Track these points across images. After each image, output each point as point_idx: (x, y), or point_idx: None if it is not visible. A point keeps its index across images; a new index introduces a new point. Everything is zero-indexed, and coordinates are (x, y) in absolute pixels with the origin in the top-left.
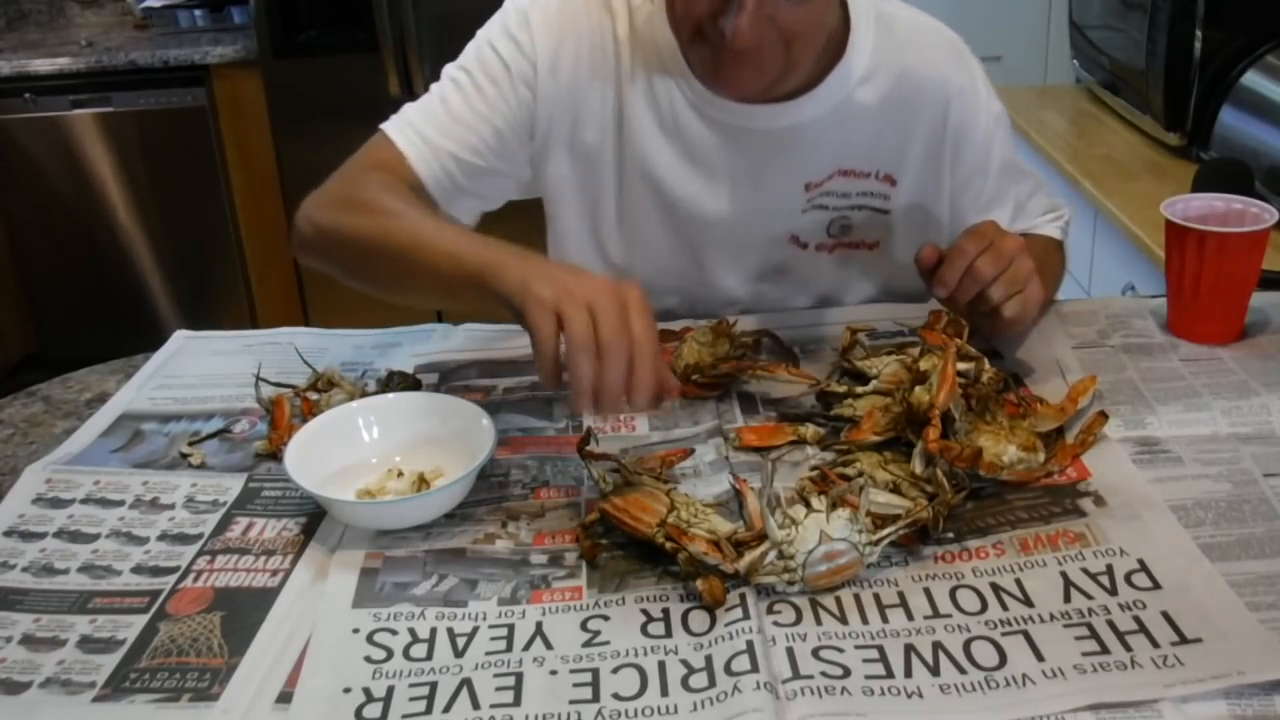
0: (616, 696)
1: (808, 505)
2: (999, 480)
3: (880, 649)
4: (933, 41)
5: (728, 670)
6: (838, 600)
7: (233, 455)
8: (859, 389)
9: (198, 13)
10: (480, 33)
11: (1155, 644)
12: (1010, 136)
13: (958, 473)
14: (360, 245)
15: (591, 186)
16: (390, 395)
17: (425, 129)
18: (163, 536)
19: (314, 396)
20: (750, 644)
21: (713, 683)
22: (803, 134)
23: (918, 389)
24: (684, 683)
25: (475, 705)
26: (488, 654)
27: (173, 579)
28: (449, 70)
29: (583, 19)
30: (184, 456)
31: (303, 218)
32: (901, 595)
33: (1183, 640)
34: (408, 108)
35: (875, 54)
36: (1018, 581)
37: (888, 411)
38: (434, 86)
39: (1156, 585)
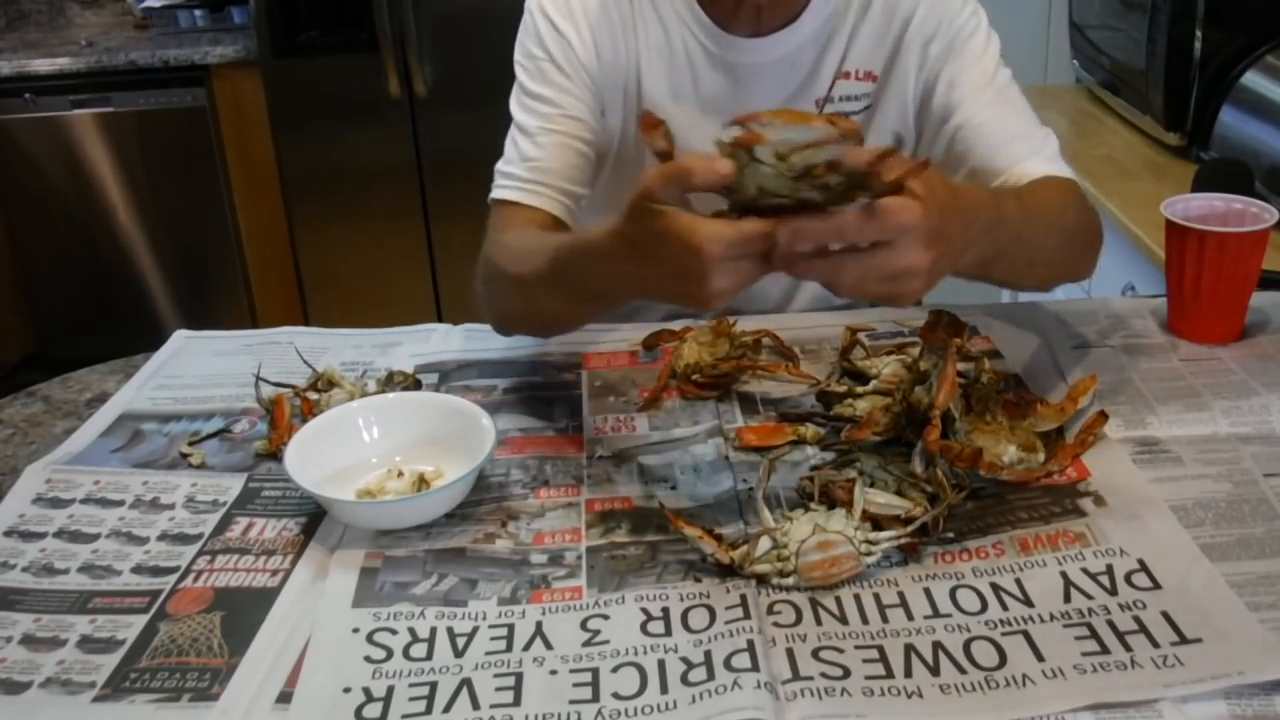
0: (616, 696)
1: (806, 507)
2: (999, 480)
3: (880, 649)
4: None
5: (727, 666)
6: (838, 600)
7: (233, 455)
8: (859, 389)
9: (198, 13)
10: (518, 51)
11: (1155, 644)
12: (998, 58)
13: (958, 473)
14: (537, 284)
15: (605, 154)
16: (390, 395)
17: (522, 172)
18: (163, 536)
19: (314, 396)
20: (751, 643)
21: (711, 676)
22: (804, 51)
23: (918, 389)
24: (683, 678)
25: (475, 705)
26: (488, 654)
27: (173, 579)
28: (514, 102)
29: None
30: (184, 456)
31: (484, 307)
32: (901, 595)
33: (1183, 640)
34: (499, 166)
35: None
36: (1018, 581)
37: (887, 411)
38: (511, 130)
39: (1156, 585)
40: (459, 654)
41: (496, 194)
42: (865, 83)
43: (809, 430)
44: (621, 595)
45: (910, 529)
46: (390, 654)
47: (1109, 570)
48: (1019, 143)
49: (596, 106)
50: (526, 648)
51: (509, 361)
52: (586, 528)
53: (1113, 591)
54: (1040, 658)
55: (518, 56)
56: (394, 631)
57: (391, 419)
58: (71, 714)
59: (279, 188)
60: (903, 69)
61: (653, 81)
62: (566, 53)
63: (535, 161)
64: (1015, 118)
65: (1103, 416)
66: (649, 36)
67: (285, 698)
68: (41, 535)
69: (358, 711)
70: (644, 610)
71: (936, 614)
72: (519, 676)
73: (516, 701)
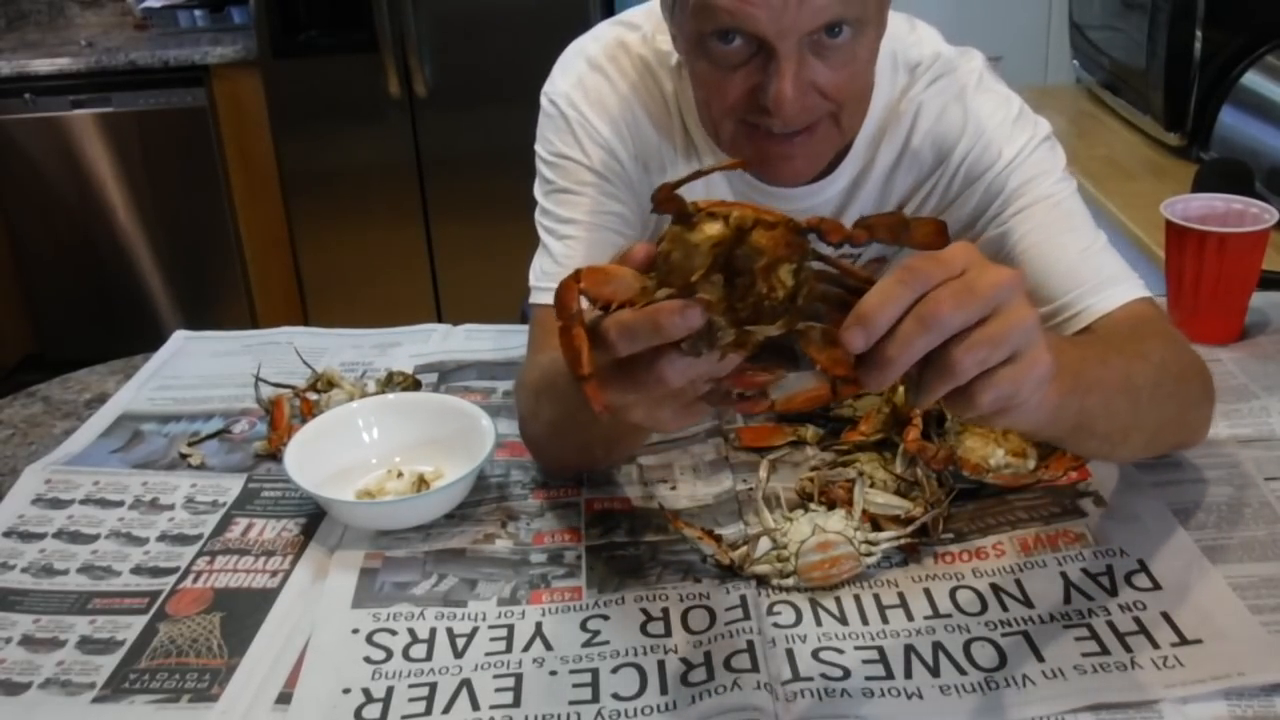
0: (616, 696)
1: (806, 507)
2: (984, 483)
3: (880, 650)
4: (943, 82)
5: (727, 666)
6: (837, 601)
7: (232, 456)
8: None
9: (198, 13)
10: (539, 148)
11: (1155, 645)
12: (1058, 168)
13: (945, 474)
14: (559, 430)
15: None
16: (390, 395)
17: (558, 275)
18: (162, 537)
19: (313, 397)
20: (751, 644)
21: (711, 676)
22: (832, 202)
23: (900, 389)
24: (683, 679)
25: (475, 706)
26: (487, 655)
27: (172, 579)
28: (540, 210)
29: (637, 89)
30: (183, 457)
31: (524, 439)
32: (901, 596)
33: (1183, 641)
34: (533, 271)
35: (891, 104)
36: (1018, 582)
37: (880, 412)
38: (542, 237)
39: (1156, 586)
40: (459, 655)
41: (533, 299)
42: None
43: (809, 430)
44: (621, 596)
45: (910, 529)
46: (390, 654)
47: (1109, 571)
48: (1079, 267)
49: (634, 206)
50: (526, 648)
51: (508, 363)
52: (586, 528)
53: (1113, 592)
54: (1040, 658)
55: (542, 153)
56: (394, 632)
57: (391, 419)
58: (71, 715)
59: (279, 188)
60: (957, 210)
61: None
62: (603, 157)
63: (573, 256)
64: (1072, 234)
65: None
66: (676, 166)
67: (285, 698)
68: (41, 536)
69: (357, 712)
70: (644, 611)
71: (936, 614)
72: (519, 677)
73: (516, 702)
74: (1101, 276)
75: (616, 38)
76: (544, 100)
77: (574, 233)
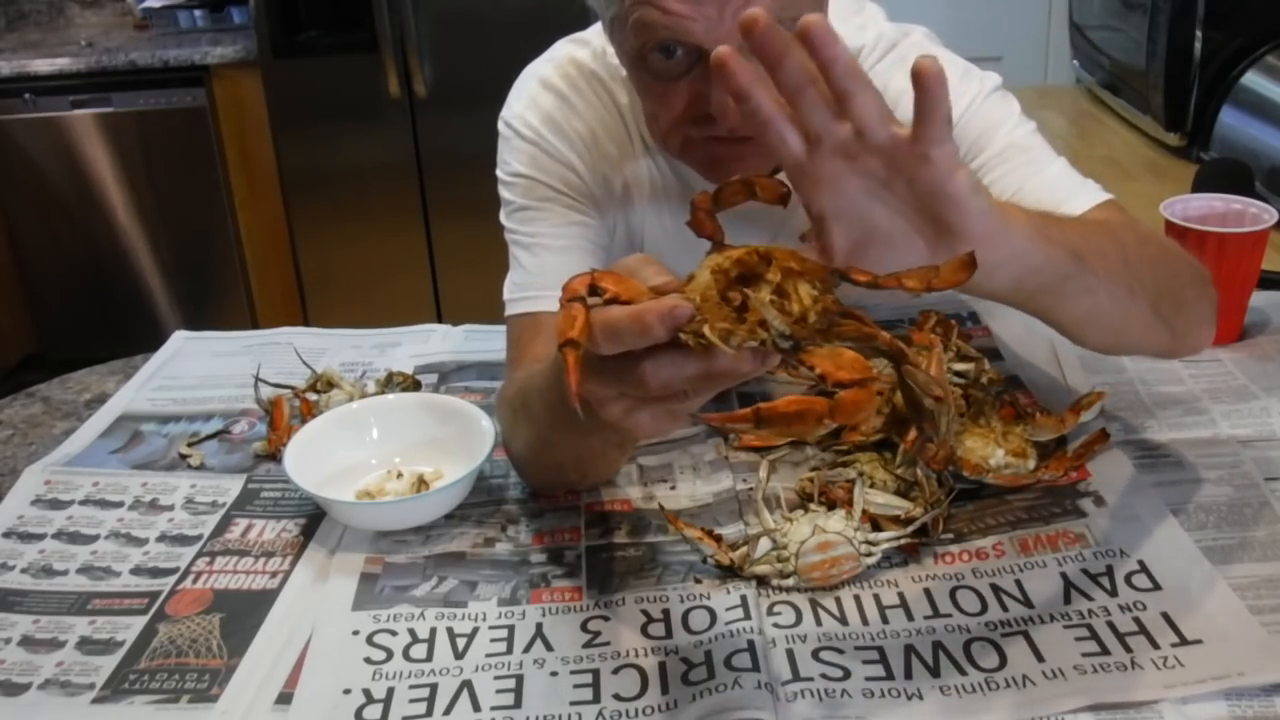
0: (617, 697)
1: (805, 508)
2: (984, 483)
3: (880, 650)
4: (888, 60)
5: (728, 665)
6: (838, 601)
7: (232, 456)
8: None
9: (198, 13)
10: (499, 171)
11: (1155, 645)
12: (1011, 114)
13: (945, 474)
14: (535, 449)
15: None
16: (390, 396)
17: (531, 284)
18: (162, 538)
19: (313, 397)
20: (751, 644)
21: (712, 674)
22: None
23: (900, 389)
24: (684, 678)
25: (476, 707)
26: (488, 655)
27: (172, 580)
28: (507, 231)
29: (591, 104)
30: (183, 457)
31: (511, 460)
32: (901, 596)
33: (1183, 641)
34: (506, 286)
35: None
36: (1018, 582)
37: (880, 412)
38: (512, 251)
39: (1156, 586)
40: (459, 655)
41: (508, 311)
42: None
43: None
44: (621, 597)
45: (910, 529)
46: (390, 655)
47: (1109, 571)
48: (1040, 197)
49: (599, 220)
50: (527, 649)
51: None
52: (586, 528)
53: (1113, 593)
54: (1040, 658)
55: (503, 175)
56: (394, 633)
57: (391, 420)
58: (71, 715)
59: (279, 188)
60: None
61: (641, 213)
62: (563, 173)
63: (545, 266)
64: (1030, 166)
65: (1104, 435)
66: (637, 171)
67: (285, 699)
68: (40, 536)
69: (358, 713)
70: (644, 612)
71: (936, 615)
72: (519, 678)
73: (517, 704)
74: (1060, 193)
75: (568, 55)
76: (501, 125)
77: (544, 242)
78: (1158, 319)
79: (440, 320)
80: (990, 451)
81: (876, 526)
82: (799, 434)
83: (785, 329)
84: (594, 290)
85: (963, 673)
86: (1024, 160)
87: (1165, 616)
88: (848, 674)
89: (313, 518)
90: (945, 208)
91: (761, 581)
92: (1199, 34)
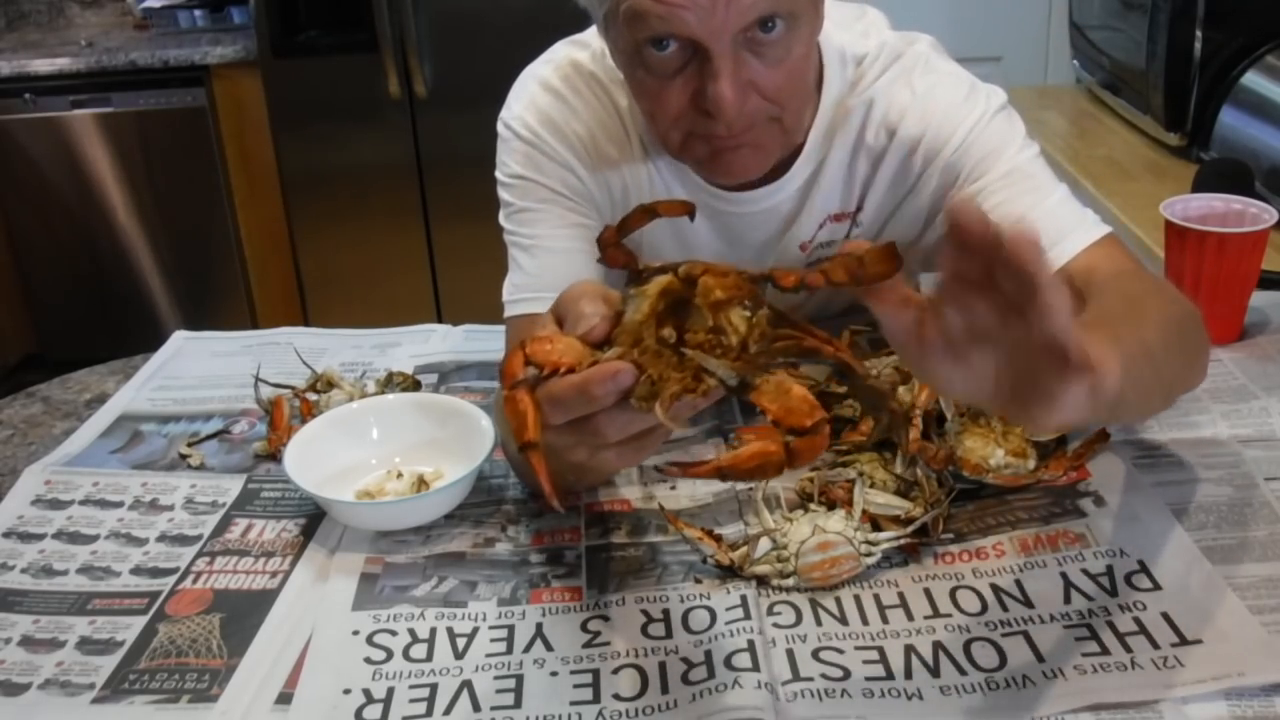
0: (617, 697)
1: (805, 508)
2: (984, 483)
3: (880, 650)
4: (891, 73)
5: (728, 665)
6: (838, 601)
7: (232, 456)
8: None
9: (198, 13)
10: (498, 173)
11: (1155, 645)
12: (1016, 137)
13: (945, 473)
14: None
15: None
16: (390, 396)
17: (530, 285)
18: (162, 538)
19: (313, 397)
20: (751, 644)
21: (712, 674)
22: (789, 201)
23: (900, 389)
24: (684, 678)
25: (476, 707)
26: (488, 655)
27: (172, 580)
28: (506, 232)
29: (591, 106)
30: (183, 457)
31: (509, 463)
32: (901, 596)
33: (1183, 641)
34: (505, 287)
35: (841, 99)
36: (1018, 582)
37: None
38: (511, 253)
39: (1157, 586)
40: (459, 655)
41: (507, 312)
42: (845, 222)
43: None
44: (621, 597)
45: (910, 529)
46: (390, 655)
47: (1109, 571)
48: (1050, 220)
49: (598, 221)
50: (527, 649)
51: None
52: (586, 528)
53: (1113, 593)
54: (1040, 658)
55: (502, 177)
56: (394, 633)
57: (391, 420)
58: (71, 715)
59: (279, 188)
60: (919, 194)
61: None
62: (562, 174)
63: (544, 267)
64: (1033, 195)
65: (1104, 435)
66: (636, 172)
67: (285, 699)
68: (40, 536)
69: (358, 713)
70: (644, 612)
71: (936, 615)
72: (519, 678)
73: (517, 704)
74: (1058, 228)
75: (567, 57)
76: (500, 127)
77: (543, 244)
78: (1167, 401)
79: (440, 320)
80: (990, 451)
81: (876, 526)
82: (760, 480)
83: (730, 375)
84: (529, 362)
85: (963, 673)
86: (1028, 187)
87: (1165, 616)
88: (848, 674)
89: (313, 518)
90: (1053, 382)
91: (761, 581)
92: (1199, 34)
